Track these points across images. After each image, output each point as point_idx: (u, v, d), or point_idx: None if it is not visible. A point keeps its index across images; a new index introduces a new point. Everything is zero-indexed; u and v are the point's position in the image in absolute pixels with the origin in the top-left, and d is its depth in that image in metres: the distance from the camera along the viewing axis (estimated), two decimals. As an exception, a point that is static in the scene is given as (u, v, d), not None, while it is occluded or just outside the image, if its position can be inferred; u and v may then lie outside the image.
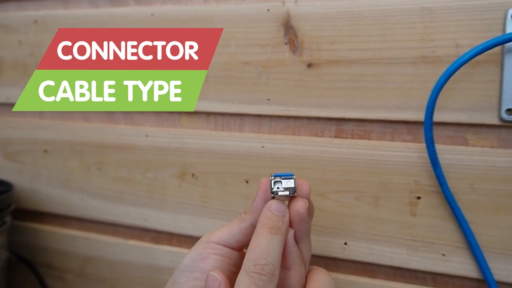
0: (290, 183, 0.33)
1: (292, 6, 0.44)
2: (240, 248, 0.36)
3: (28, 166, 0.57)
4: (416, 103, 0.40)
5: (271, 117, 0.46)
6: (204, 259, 0.34)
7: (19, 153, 0.57)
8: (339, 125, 0.44)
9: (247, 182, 0.46)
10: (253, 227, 0.33)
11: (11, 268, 0.55)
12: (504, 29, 0.37)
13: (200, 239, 0.35)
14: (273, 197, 0.33)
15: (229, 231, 0.35)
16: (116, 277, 0.53)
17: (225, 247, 0.35)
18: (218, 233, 0.35)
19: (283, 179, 0.33)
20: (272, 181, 0.33)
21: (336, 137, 0.44)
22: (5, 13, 0.57)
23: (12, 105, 0.57)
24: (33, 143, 0.56)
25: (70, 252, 0.55)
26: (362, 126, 0.43)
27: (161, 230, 0.51)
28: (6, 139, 0.57)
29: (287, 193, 0.32)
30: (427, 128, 0.38)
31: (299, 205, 0.33)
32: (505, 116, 0.38)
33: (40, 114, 0.56)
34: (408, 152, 0.41)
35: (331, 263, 0.44)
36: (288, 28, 0.44)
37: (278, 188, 0.33)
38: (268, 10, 0.44)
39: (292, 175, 0.33)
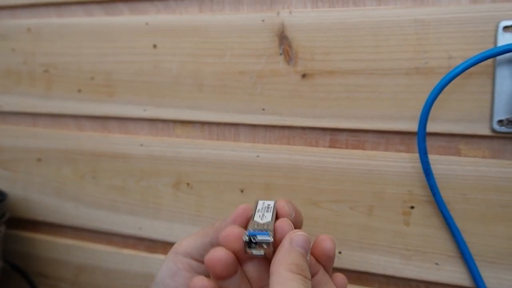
0: (265, 237, 0.29)
1: (286, 17, 0.44)
2: None
3: (22, 174, 0.56)
4: (409, 114, 0.41)
5: (266, 126, 0.46)
6: (174, 276, 0.33)
7: (12, 161, 0.57)
8: (333, 135, 0.44)
9: (242, 191, 0.47)
10: (211, 245, 0.32)
11: (5, 278, 0.55)
12: (495, 41, 0.38)
13: (172, 248, 0.35)
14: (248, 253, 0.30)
15: (193, 243, 0.34)
16: (110, 286, 0.53)
17: (191, 260, 0.34)
18: (185, 243, 0.34)
19: (258, 238, 0.29)
20: (246, 237, 0.29)
21: (330, 147, 0.44)
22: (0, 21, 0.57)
23: (5, 113, 0.57)
24: (26, 151, 0.56)
25: (64, 260, 0.55)
26: (356, 136, 0.43)
27: (156, 239, 0.51)
28: (0, 148, 0.57)
29: (262, 252, 0.29)
30: (421, 139, 0.38)
31: (328, 246, 0.32)
32: (496, 127, 0.38)
33: (34, 122, 0.56)
34: (401, 162, 0.41)
35: (325, 272, 0.45)
36: (283, 38, 0.44)
37: (253, 244, 0.29)
38: (263, 20, 0.45)
39: (268, 234, 0.29)
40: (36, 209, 0.56)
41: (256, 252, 0.29)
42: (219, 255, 0.29)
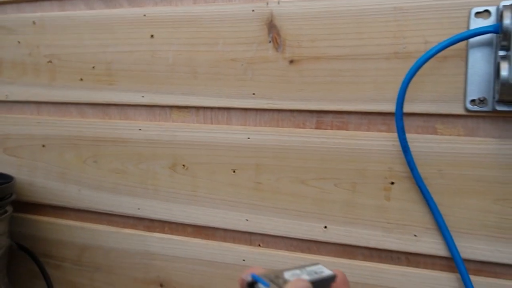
0: None
1: (275, 7, 0.47)
2: None
3: (27, 160, 0.59)
4: (390, 96, 0.44)
5: (256, 110, 0.49)
6: None
7: (18, 148, 0.60)
8: (319, 117, 0.47)
9: (234, 171, 0.49)
10: None
11: (12, 258, 0.57)
12: (468, 27, 0.41)
13: None
14: None
15: None
16: (111, 264, 0.56)
17: None
18: None
19: (257, 285, 0.28)
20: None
21: (316, 128, 0.47)
22: (4, 15, 0.60)
23: (11, 102, 0.60)
24: (31, 138, 0.59)
25: (67, 241, 0.58)
26: (341, 118, 0.46)
27: (154, 218, 0.54)
28: (6, 135, 0.60)
29: None
30: (398, 118, 0.41)
31: None
32: (469, 106, 0.41)
33: (38, 110, 0.59)
34: (382, 141, 0.44)
35: (312, 245, 0.48)
36: (272, 27, 0.47)
37: None
38: (253, 10, 0.48)
39: (268, 286, 0.28)
40: (41, 193, 0.59)
41: None
42: None
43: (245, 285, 0.29)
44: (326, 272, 0.31)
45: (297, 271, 0.31)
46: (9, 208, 0.54)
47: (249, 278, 0.29)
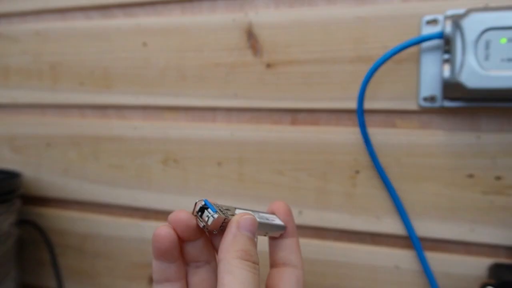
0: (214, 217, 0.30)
1: (253, 17, 0.53)
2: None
3: (33, 157, 0.65)
4: (354, 94, 0.49)
5: (238, 109, 0.55)
6: None
7: (24, 146, 0.65)
8: (293, 114, 0.53)
9: (219, 164, 0.55)
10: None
11: (21, 248, 0.63)
12: (420, 33, 0.47)
13: None
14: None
15: None
16: (110, 250, 0.62)
17: None
18: None
19: (207, 210, 0.30)
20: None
21: (291, 124, 0.53)
22: (10, 26, 0.66)
23: (18, 105, 0.66)
24: (36, 137, 0.65)
25: (70, 231, 0.64)
26: (312, 115, 0.52)
27: (149, 208, 0.59)
28: (13, 135, 0.66)
29: (202, 224, 0.30)
30: (359, 114, 0.47)
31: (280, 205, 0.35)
32: (422, 103, 0.47)
33: (43, 112, 0.65)
34: (348, 134, 0.50)
35: (289, 229, 0.53)
36: (250, 35, 0.53)
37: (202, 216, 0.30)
38: (234, 20, 0.54)
39: (216, 211, 0.30)
40: (46, 187, 0.65)
41: (200, 221, 0.30)
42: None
43: (197, 208, 0.30)
44: (277, 221, 0.33)
45: (249, 211, 0.32)
46: (17, 201, 0.59)
47: (202, 203, 0.30)
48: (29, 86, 0.65)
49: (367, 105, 0.49)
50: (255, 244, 0.30)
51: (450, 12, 0.45)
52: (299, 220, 0.52)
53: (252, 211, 0.33)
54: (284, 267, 0.34)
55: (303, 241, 0.52)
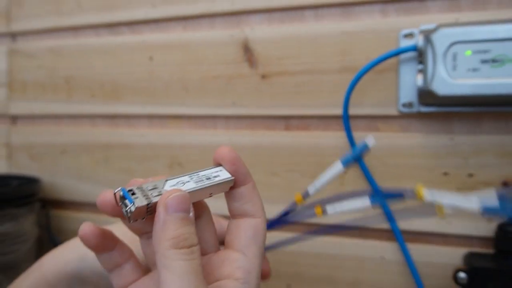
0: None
1: (249, 33, 0.58)
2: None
3: (49, 164, 0.71)
4: (341, 102, 0.54)
5: (236, 117, 0.60)
6: None
7: (41, 154, 0.71)
8: (286, 121, 0.58)
9: (220, 167, 0.60)
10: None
11: (40, 248, 0.68)
12: (398, 46, 0.52)
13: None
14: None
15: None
16: (122, 249, 0.67)
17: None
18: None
19: (125, 201, 0.27)
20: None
21: (285, 130, 0.58)
22: (26, 43, 0.71)
23: (35, 116, 0.71)
24: (52, 145, 0.70)
25: (84, 231, 0.69)
26: (304, 121, 0.57)
27: (156, 209, 0.64)
28: (31, 144, 0.71)
29: (127, 214, 0.27)
30: (345, 120, 0.52)
31: (224, 149, 0.31)
32: (401, 109, 0.52)
33: (58, 122, 0.70)
34: (337, 138, 0.55)
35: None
36: (246, 49, 0.58)
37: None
38: (231, 35, 0.59)
39: (132, 202, 0.27)
40: (61, 191, 0.70)
41: (124, 211, 0.27)
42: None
43: (118, 200, 0.28)
44: (222, 176, 0.29)
45: (185, 178, 0.29)
46: (36, 204, 0.65)
47: (120, 193, 0.27)
48: (45, 99, 0.70)
49: (353, 111, 0.54)
50: (190, 222, 0.27)
51: (423, 27, 0.50)
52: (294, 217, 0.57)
53: (189, 174, 0.30)
54: (241, 218, 0.31)
55: (294, 235, 0.57)
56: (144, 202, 0.27)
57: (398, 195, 0.45)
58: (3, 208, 0.56)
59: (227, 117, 0.60)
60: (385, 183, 0.53)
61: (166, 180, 0.29)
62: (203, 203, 0.32)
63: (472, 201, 0.38)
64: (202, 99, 0.61)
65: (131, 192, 0.27)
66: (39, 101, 0.70)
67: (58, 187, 0.70)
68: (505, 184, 0.49)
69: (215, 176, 0.30)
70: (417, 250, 0.52)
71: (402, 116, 0.53)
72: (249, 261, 0.29)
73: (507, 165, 0.49)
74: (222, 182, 0.29)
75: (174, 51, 0.62)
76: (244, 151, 0.59)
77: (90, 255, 0.33)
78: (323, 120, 0.56)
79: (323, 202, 0.47)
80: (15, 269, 0.58)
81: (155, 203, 0.27)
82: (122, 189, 0.27)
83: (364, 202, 0.44)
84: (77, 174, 0.69)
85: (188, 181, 0.29)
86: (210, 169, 0.31)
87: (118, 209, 0.28)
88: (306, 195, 0.46)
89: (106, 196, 0.29)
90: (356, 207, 0.44)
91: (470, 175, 0.50)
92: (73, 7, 0.68)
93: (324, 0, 0.55)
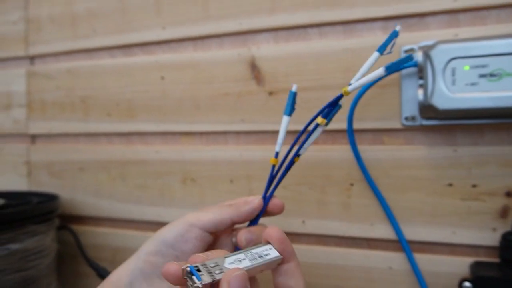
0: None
1: (255, 51, 0.60)
2: (216, 234, 0.43)
3: (68, 181, 0.74)
4: (346, 117, 0.56)
5: (246, 132, 0.62)
6: (186, 242, 0.40)
7: (61, 171, 0.74)
8: (294, 135, 0.60)
9: (231, 181, 0.63)
10: (232, 222, 0.41)
11: (60, 262, 0.71)
12: (400, 61, 0.53)
13: (185, 219, 0.42)
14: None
15: (211, 219, 0.41)
16: (139, 261, 0.69)
17: (206, 233, 0.41)
18: (203, 218, 0.41)
19: (192, 277, 0.31)
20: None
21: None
22: (45, 65, 0.75)
23: (54, 135, 0.74)
24: (71, 163, 0.73)
25: (103, 245, 0.72)
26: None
27: (171, 222, 0.67)
28: (51, 162, 0.75)
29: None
30: (349, 134, 0.54)
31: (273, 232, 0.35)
32: (404, 122, 0.53)
33: (76, 140, 0.73)
34: (343, 152, 0.57)
35: (293, 237, 0.60)
36: (254, 67, 0.61)
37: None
38: (239, 54, 0.61)
39: (200, 279, 0.30)
40: (80, 207, 0.73)
41: (190, 285, 0.31)
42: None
43: (184, 274, 0.31)
44: (272, 254, 0.34)
45: (241, 256, 0.33)
46: (56, 220, 0.68)
47: (187, 269, 0.31)
48: (63, 118, 0.73)
49: (358, 125, 0.55)
50: None
51: (423, 43, 0.51)
52: (302, 228, 0.59)
53: (244, 252, 0.34)
54: None
55: (306, 247, 0.59)
56: (210, 280, 0.30)
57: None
58: (24, 225, 0.59)
59: (237, 133, 0.63)
60: (391, 195, 0.55)
61: (225, 258, 0.33)
62: (255, 277, 0.36)
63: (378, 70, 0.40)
64: (213, 116, 0.63)
65: (197, 268, 0.31)
66: (58, 120, 0.74)
67: (77, 203, 0.73)
68: (509, 194, 0.50)
69: (266, 254, 0.34)
70: (424, 260, 0.54)
71: (406, 128, 0.54)
72: None
73: (510, 175, 0.50)
74: (272, 260, 0.34)
75: (185, 70, 0.64)
76: (254, 166, 0.61)
77: None
78: (330, 134, 0.58)
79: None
80: (36, 284, 0.61)
81: (219, 280, 0.30)
82: (190, 267, 0.31)
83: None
84: (95, 190, 0.72)
85: (244, 259, 0.33)
86: (261, 247, 0.35)
87: (181, 281, 0.32)
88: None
89: (170, 268, 0.33)
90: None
91: (474, 186, 0.51)
92: (88, 31, 0.71)
93: (327, 18, 0.57)
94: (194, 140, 0.65)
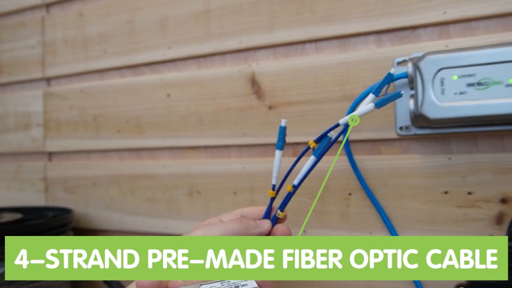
0: None
1: (255, 67, 0.63)
2: None
3: (81, 196, 0.77)
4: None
5: (248, 145, 0.64)
6: None
7: (74, 187, 0.77)
8: (294, 147, 0.61)
9: (234, 193, 0.65)
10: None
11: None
12: (393, 73, 0.55)
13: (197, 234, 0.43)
14: None
15: (221, 235, 0.42)
16: (149, 273, 0.72)
17: None
18: (212, 234, 0.42)
19: None
20: None
21: (293, 156, 0.62)
22: (59, 87, 0.79)
23: (67, 152, 0.78)
24: (84, 179, 0.76)
25: (115, 257, 0.74)
26: (309, 147, 0.60)
27: (179, 234, 0.69)
28: (65, 178, 0.78)
29: None
30: (346, 144, 0.55)
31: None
32: (399, 132, 0.55)
33: (88, 157, 0.77)
34: (341, 162, 0.58)
35: (296, 246, 0.61)
36: (254, 82, 0.63)
37: None
38: (240, 71, 0.64)
39: None
40: (93, 220, 0.76)
41: None
42: None
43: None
44: (250, 285, 0.35)
45: (217, 284, 0.34)
46: (70, 233, 0.70)
47: None
48: (76, 136, 0.77)
49: (355, 136, 0.57)
50: None
51: (413, 55, 0.53)
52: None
53: (221, 282, 0.35)
54: None
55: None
56: None
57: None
58: (39, 238, 0.62)
59: (240, 146, 0.65)
60: (388, 203, 0.56)
61: (201, 285, 0.34)
62: None
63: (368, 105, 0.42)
64: (216, 131, 0.65)
65: None
66: (71, 138, 0.77)
67: (90, 217, 0.76)
68: (504, 201, 0.51)
69: (243, 285, 0.35)
70: (422, 267, 0.54)
71: (402, 138, 0.55)
72: None
73: (504, 182, 0.51)
74: None
75: (190, 87, 0.67)
76: (257, 178, 0.63)
77: None
78: (328, 145, 0.59)
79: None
80: (51, 293, 0.63)
81: None
82: None
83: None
84: (107, 204, 0.75)
85: (219, 287, 0.34)
86: (242, 280, 0.35)
87: None
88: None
89: (144, 283, 0.36)
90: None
91: (470, 193, 0.52)
92: (99, 53, 0.75)
93: (323, 33, 0.59)
94: (199, 154, 0.68)
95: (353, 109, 0.55)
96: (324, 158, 0.59)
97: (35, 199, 0.81)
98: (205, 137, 0.66)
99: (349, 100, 0.57)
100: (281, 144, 0.47)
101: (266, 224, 0.46)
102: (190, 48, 0.68)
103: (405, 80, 0.54)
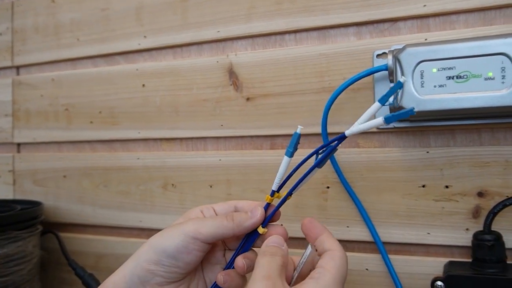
0: None
1: (233, 58, 0.61)
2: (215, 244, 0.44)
3: (52, 188, 0.74)
4: (321, 121, 0.57)
5: (225, 138, 0.63)
6: (188, 253, 0.40)
7: (44, 179, 0.75)
8: (272, 140, 0.60)
9: (211, 186, 0.63)
10: (234, 236, 0.42)
11: (42, 267, 0.71)
12: (372, 65, 0.54)
13: (183, 230, 0.40)
14: None
15: (212, 233, 0.41)
16: (122, 268, 0.70)
17: (206, 244, 0.41)
18: (204, 231, 0.40)
19: None
20: None
21: (270, 149, 0.61)
22: (29, 75, 0.76)
23: (38, 143, 0.75)
24: (54, 171, 0.74)
25: (86, 251, 0.72)
26: (288, 139, 0.60)
27: (153, 228, 0.67)
28: (34, 170, 0.75)
29: None
30: (324, 137, 0.55)
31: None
32: (378, 125, 0.54)
33: (59, 148, 0.74)
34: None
35: (273, 240, 0.60)
36: (232, 73, 0.62)
37: None
38: (217, 61, 0.62)
39: None
40: (64, 214, 0.73)
41: None
42: None
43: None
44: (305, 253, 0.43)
45: None
46: (39, 227, 0.68)
47: None
48: (47, 126, 0.74)
49: (333, 128, 0.56)
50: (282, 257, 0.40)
51: (393, 47, 0.52)
52: (281, 232, 0.59)
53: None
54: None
55: (286, 250, 0.59)
56: None
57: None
58: (6, 231, 0.59)
59: (217, 138, 0.63)
60: (366, 197, 0.55)
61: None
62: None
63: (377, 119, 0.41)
64: (192, 122, 0.64)
65: None
66: (42, 128, 0.74)
67: (60, 210, 0.73)
68: (480, 194, 0.51)
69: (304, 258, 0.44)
70: (399, 261, 0.54)
71: (381, 132, 0.55)
72: None
73: (481, 175, 0.51)
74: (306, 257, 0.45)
75: (165, 78, 0.65)
76: (233, 170, 0.62)
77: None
78: (306, 138, 0.59)
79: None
80: (18, 289, 0.61)
81: None
82: None
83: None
84: (78, 197, 0.72)
85: None
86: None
87: None
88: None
89: None
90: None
91: (447, 187, 0.52)
92: (72, 40, 0.72)
93: (302, 24, 0.58)
94: (174, 146, 0.66)
95: (330, 104, 0.54)
96: (302, 151, 0.58)
97: (2, 191, 0.78)
98: (181, 129, 0.65)
99: (328, 92, 0.56)
100: (292, 151, 0.45)
101: (258, 211, 0.44)
102: (167, 37, 0.66)
103: (384, 73, 0.53)
